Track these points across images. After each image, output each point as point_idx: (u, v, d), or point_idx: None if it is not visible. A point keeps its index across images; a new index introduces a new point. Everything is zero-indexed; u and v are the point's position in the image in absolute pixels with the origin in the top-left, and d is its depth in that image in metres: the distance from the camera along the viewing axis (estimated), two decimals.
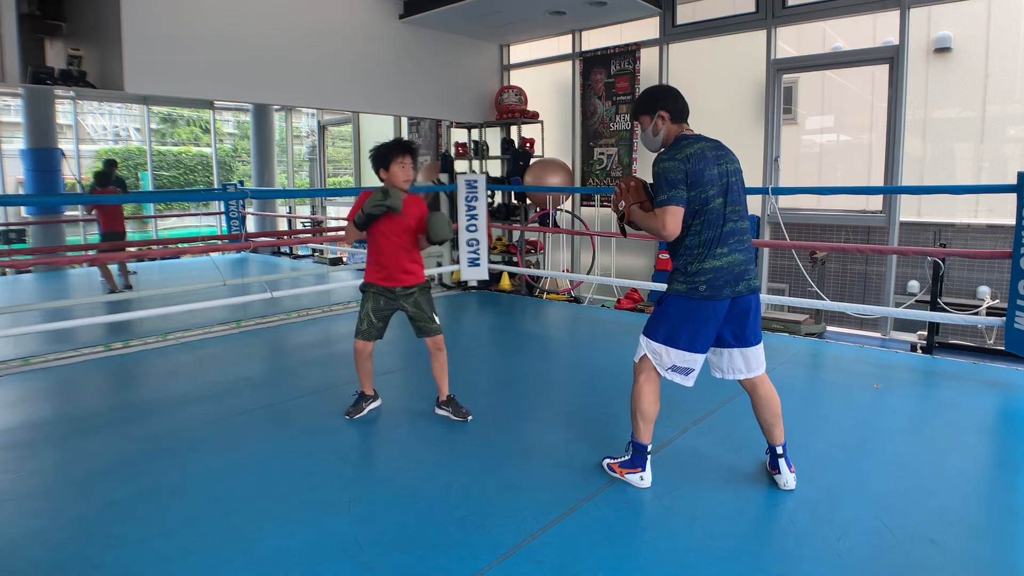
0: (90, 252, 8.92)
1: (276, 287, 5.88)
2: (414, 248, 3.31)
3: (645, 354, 2.58)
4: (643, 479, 2.63)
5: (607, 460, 2.78)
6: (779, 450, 2.61)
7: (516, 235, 7.96)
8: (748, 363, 2.56)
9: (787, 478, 2.60)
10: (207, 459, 2.96)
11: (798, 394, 3.84)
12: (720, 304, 2.43)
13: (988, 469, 2.90)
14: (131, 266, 8.60)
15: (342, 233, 10.68)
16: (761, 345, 2.58)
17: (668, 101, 2.55)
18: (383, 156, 3.17)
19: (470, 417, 3.36)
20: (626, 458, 2.69)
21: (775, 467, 2.63)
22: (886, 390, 3.82)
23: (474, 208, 6.40)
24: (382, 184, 3.22)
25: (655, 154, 2.58)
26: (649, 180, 2.55)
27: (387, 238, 3.22)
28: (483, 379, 4.20)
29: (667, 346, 2.51)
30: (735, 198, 2.46)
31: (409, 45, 7.28)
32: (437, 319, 3.37)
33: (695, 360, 2.52)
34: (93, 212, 7.75)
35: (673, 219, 2.38)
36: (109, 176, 7.84)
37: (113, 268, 7.65)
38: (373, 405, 3.52)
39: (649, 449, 2.65)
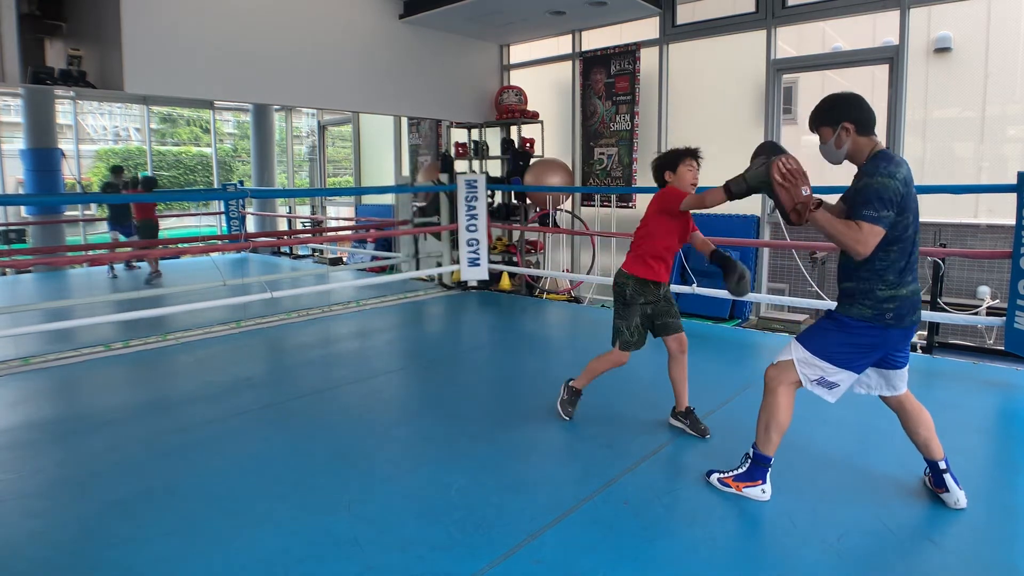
0: (90, 252, 8.95)
1: (276, 287, 5.87)
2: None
3: (791, 360, 2.44)
4: (764, 492, 2.51)
5: (716, 475, 2.61)
6: (942, 465, 2.42)
7: (516, 235, 7.96)
8: (900, 382, 2.46)
9: (957, 496, 2.41)
10: (207, 459, 2.96)
11: (798, 394, 3.83)
12: (899, 332, 2.32)
13: (988, 469, 2.90)
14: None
15: (341, 233, 10.74)
16: (908, 365, 2.47)
17: (852, 111, 2.31)
18: (672, 158, 3.09)
19: (708, 435, 3.12)
20: (742, 471, 2.55)
21: (940, 485, 2.44)
22: None
23: (474, 208, 6.40)
24: (668, 183, 3.10)
25: (832, 163, 2.44)
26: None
27: (674, 234, 3.10)
28: (483, 379, 4.20)
29: (823, 360, 2.38)
30: (919, 226, 2.33)
31: (409, 45, 7.28)
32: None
33: (848, 377, 2.40)
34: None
35: (875, 240, 2.19)
36: (136, 180, 8.41)
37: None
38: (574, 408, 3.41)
39: (772, 462, 2.52)
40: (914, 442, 2.51)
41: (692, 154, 3.09)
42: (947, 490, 2.44)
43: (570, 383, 3.39)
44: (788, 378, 2.45)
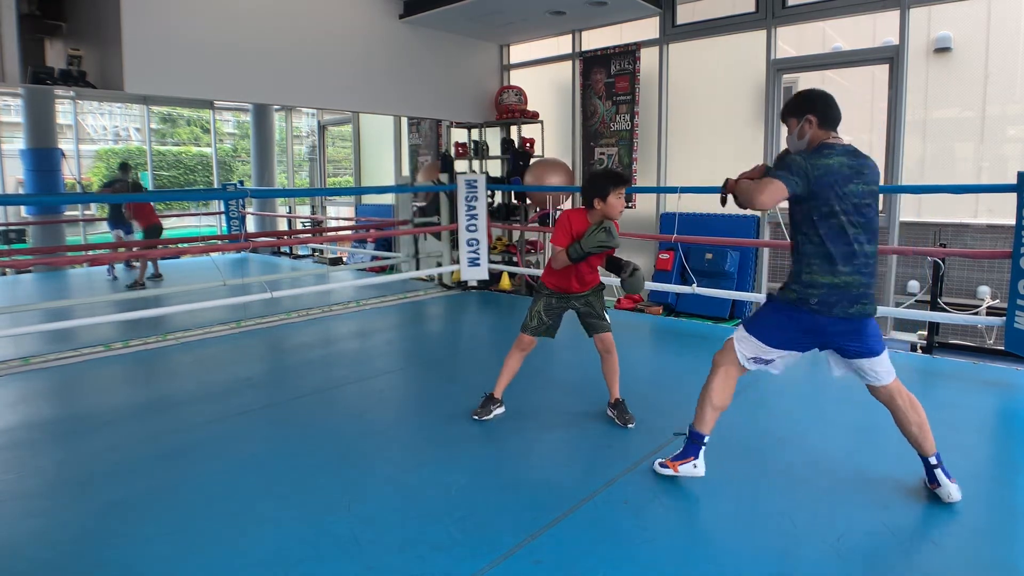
0: (90, 252, 8.95)
1: (276, 287, 5.87)
2: (596, 264, 3.30)
3: (732, 339, 2.58)
4: (696, 467, 2.62)
5: (658, 462, 2.73)
6: (932, 460, 2.46)
7: (516, 235, 7.96)
8: (876, 370, 2.47)
9: (949, 490, 2.44)
10: (207, 459, 2.96)
11: (798, 394, 3.84)
12: (827, 320, 2.37)
13: (988, 469, 2.90)
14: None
15: (342, 233, 10.74)
16: (885, 354, 2.47)
17: (817, 106, 2.46)
18: (602, 186, 3.08)
19: (631, 424, 3.24)
20: (678, 452, 2.68)
21: (933, 481, 2.48)
22: None
23: (474, 208, 6.40)
24: (592, 211, 3.13)
25: None
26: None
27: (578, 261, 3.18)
28: (483, 379, 4.19)
29: (759, 340, 2.51)
30: (867, 220, 2.37)
31: (409, 45, 7.28)
32: (608, 318, 3.34)
33: (785, 354, 2.51)
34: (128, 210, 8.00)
35: (771, 192, 2.27)
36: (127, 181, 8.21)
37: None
38: (498, 412, 3.39)
39: (706, 440, 2.64)
40: (906, 437, 2.53)
41: (625, 182, 3.15)
42: (939, 485, 2.46)
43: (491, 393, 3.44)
44: (727, 359, 2.59)
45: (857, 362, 2.47)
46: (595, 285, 3.31)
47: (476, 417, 3.32)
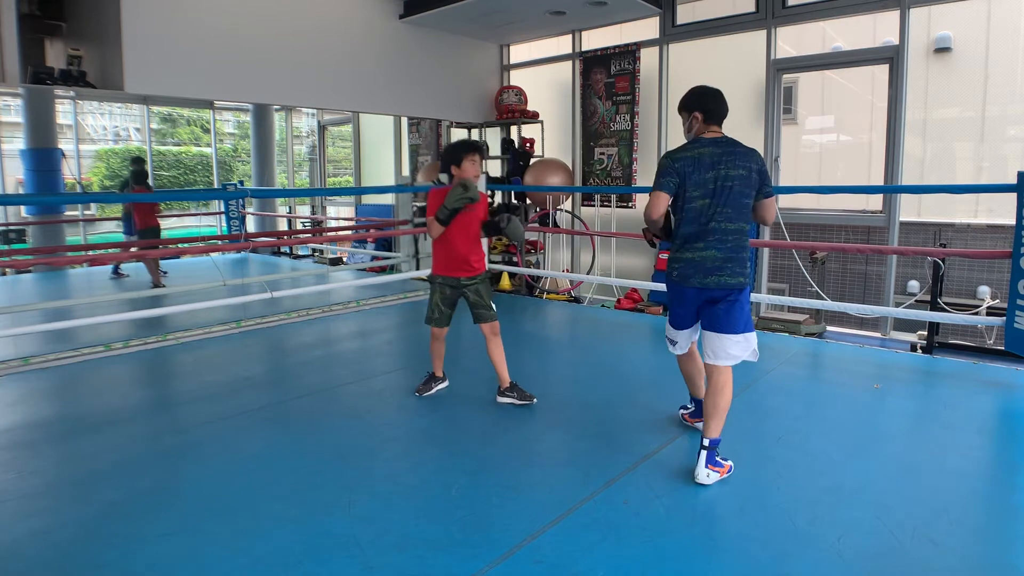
0: (90, 252, 8.93)
1: (276, 287, 5.87)
2: (479, 240, 3.59)
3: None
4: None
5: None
6: (705, 442, 2.67)
7: None
8: (713, 348, 2.72)
9: (698, 471, 2.64)
10: (207, 459, 2.96)
11: (798, 394, 3.84)
12: (687, 290, 2.73)
13: (988, 469, 2.90)
14: (126, 267, 8.58)
15: (342, 233, 10.74)
16: (731, 337, 2.68)
17: (705, 102, 2.74)
18: (455, 153, 3.42)
19: (535, 400, 3.51)
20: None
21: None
22: (886, 390, 3.82)
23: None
24: (452, 182, 3.43)
25: None
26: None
27: (458, 232, 3.43)
28: (482, 379, 4.19)
29: (667, 320, 2.95)
30: (725, 201, 2.64)
31: (409, 45, 7.28)
32: (493, 306, 3.61)
33: (676, 335, 2.91)
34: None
35: (655, 203, 2.66)
36: (143, 175, 7.91)
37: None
38: (441, 386, 3.77)
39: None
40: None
41: (477, 149, 3.44)
42: (697, 463, 2.66)
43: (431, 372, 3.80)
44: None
45: (707, 335, 2.72)
46: (483, 271, 3.58)
47: (418, 394, 3.67)
